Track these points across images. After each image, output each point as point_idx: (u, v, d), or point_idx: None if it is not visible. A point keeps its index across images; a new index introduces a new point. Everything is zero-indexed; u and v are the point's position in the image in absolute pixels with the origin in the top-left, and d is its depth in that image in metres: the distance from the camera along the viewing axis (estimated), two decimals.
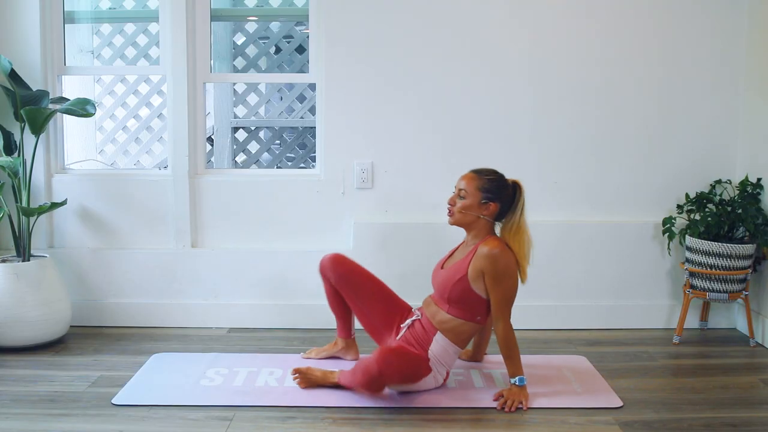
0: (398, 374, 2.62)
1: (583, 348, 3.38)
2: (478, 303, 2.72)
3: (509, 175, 3.66)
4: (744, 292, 3.40)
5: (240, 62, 5.95)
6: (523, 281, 2.77)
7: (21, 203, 3.34)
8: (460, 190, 2.78)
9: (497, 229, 2.81)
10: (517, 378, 2.70)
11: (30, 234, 3.36)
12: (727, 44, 3.63)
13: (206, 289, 3.66)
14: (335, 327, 3.12)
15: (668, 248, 3.63)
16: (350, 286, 2.93)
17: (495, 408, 2.66)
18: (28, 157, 3.40)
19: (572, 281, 3.67)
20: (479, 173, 2.78)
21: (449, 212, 2.80)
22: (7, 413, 2.59)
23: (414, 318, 2.84)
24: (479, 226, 2.77)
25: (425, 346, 2.74)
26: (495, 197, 2.74)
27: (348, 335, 3.11)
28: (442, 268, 2.86)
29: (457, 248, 2.90)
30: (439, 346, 2.74)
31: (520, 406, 2.65)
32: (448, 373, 2.83)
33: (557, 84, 3.63)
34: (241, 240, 3.70)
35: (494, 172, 2.79)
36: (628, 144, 3.67)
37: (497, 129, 3.64)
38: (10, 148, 3.43)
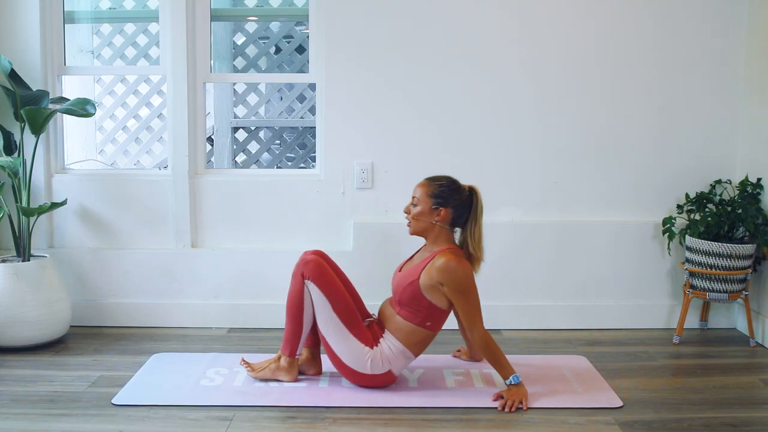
0: (322, 279, 2.70)
1: (583, 348, 3.38)
2: (429, 309, 2.74)
3: (510, 175, 3.68)
4: (744, 292, 3.40)
5: (240, 62, 5.95)
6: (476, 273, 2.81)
7: (21, 203, 3.34)
8: (413, 198, 2.81)
9: (457, 236, 2.84)
10: (511, 377, 2.71)
11: (30, 234, 3.36)
12: (727, 44, 3.63)
13: (206, 289, 3.66)
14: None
15: (668, 248, 3.63)
16: (330, 278, 2.80)
17: (495, 408, 2.66)
18: (28, 157, 3.40)
19: (572, 281, 3.67)
20: (430, 180, 2.81)
21: (408, 223, 2.83)
22: (7, 413, 2.59)
23: (372, 318, 2.88)
24: (435, 233, 2.79)
25: (377, 341, 2.78)
26: (445, 203, 2.76)
27: (307, 345, 2.94)
28: (400, 271, 2.89)
29: (417, 252, 2.93)
30: (388, 344, 2.76)
31: (520, 406, 2.65)
32: (393, 376, 2.81)
33: (557, 84, 3.63)
34: (241, 240, 3.71)
35: (446, 178, 2.82)
36: (629, 144, 3.67)
37: (497, 129, 3.64)
38: (10, 148, 3.43)
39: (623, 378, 2.99)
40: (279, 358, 2.87)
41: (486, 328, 2.73)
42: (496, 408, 2.66)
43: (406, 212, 2.83)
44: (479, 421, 2.57)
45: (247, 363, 2.94)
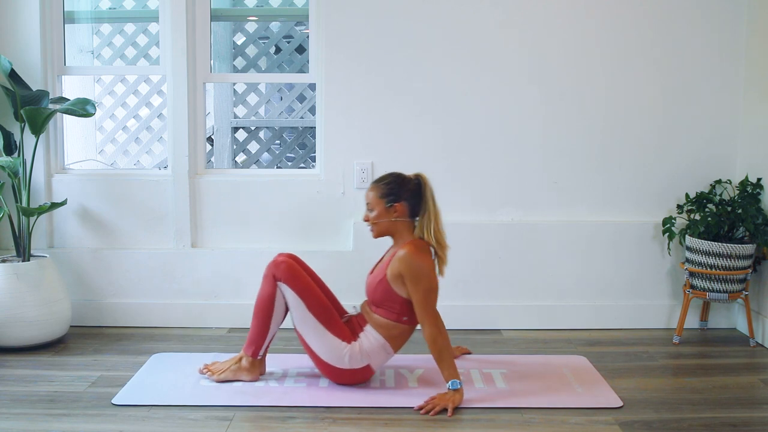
0: (294, 280, 2.72)
1: (583, 348, 3.38)
2: (401, 304, 2.76)
3: (510, 175, 3.68)
4: (744, 292, 3.40)
5: (240, 62, 5.95)
6: (441, 274, 2.80)
7: (21, 203, 3.34)
8: (367, 204, 2.84)
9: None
10: (450, 382, 2.68)
11: (30, 234, 3.36)
12: (727, 45, 3.63)
13: (206, 289, 3.66)
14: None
15: (668, 248, 3.63)
16: (302, 278, 2.79)
17: (495, 408, 2.66)
18: (28, 157, 3.40)
19: (572, 281, 3.67)
20: (376, 182, 2.84)
21: (370, 229, 2.85)
22: (7, 413, 2.59)
23: (350, 314, 2.89)
24: (399, 229, 2.81)
25: (356, 336, 2.79)
26: (397, 197, 2.78)
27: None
28: (371, 273, 2.90)
29: (386, 252, 2.93)
30: (369, 337, 2.77)
31: (446, 410, 2.61)
32: (371, 371, 2.82)
33: (557, 84, 3.63)
34: (241, 240, 3.71)
35: (390, 175, 2.85)
36: (629, 144, 3.67)
37: (497, 129, 3.64)
38: (10, 148, 3.43)
39: (623, 378, 2.99)
40: (240, 358, 2.89)
41: (438, 325, 2.70)
42: (496, 408, 2.66)
43: (365, 220, 2.85)
44: (479, 421, 2.57)
45: (207, 368, 2.93)
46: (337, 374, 2.80)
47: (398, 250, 2.75)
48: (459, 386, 2.68)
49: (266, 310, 2.80)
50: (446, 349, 2.70)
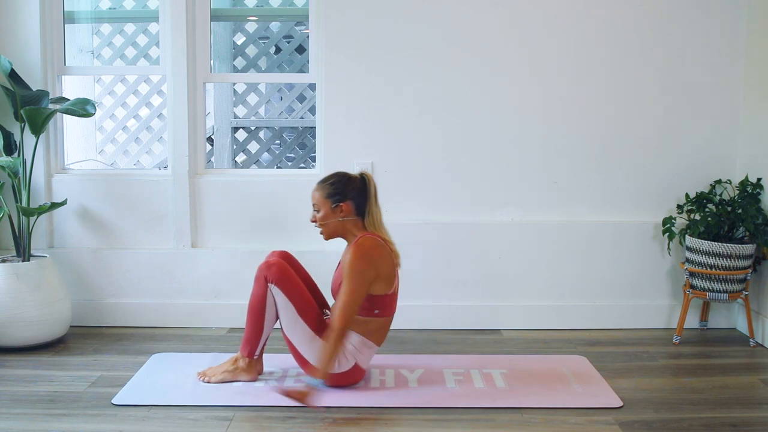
0: (286, 283, 2.73)
1: (583, 348, 3.38)
2: (368, 299, 2.74)
3: (511, 175, 3.68)
4: (744, 292, 3.40)
5: (240, 62, 5.95)
6: (398, 266, 2.82)
7: (21, 203, 3.34)
8: (313, 205, 2.83)
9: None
10: (315, 379, 2.58)
11: (30, 234, 3.36)
12: (727, 45, 3.63)
13: (206, 289, 3.66)
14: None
15: (668, 248, 3.63)
16: (293, 282, 2.80)
17: (495, 408, 2.66)
18: (28, 157, 3.40)
19: (572, 281, 3.67)
20: (321, 182, 2.84)
21: (320, 231, 2.83)
22: (7, 413, 2.59)
23: (328, 316, 2.90)
24: (347, 228, 2.81)
25: None
26: (343, 197, 2.78)
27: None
28: (334, 274, 2.91)
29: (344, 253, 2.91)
30: (348, 338, 2.75)
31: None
32: (361, 370, 2.82)
33: (557, 84, 3.63)
34: (241, 240, 3.70)
35: (335, 175, 2.84)
36: (629, 144, 3.67)
37: (497, 129, 3.64)
38: (10, 148, 3.43)
39: (623, 378, 2.99)
40: (236, 359, 2.88)
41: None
42: (496, 408, 2.66)
43: (312, 221, 2.84)
44: (479, 421, 2.57)
45: (202, 373, 2.91)
46: (329, 378, 2.77)
47: (352, 247, 2.74)
48: (317, 387, 2.57)
49: (259, 310, 2.81)
50: (335, 348, 2.62)
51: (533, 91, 3.63)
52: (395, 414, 2.62)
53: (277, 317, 2.82)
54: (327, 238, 2.85)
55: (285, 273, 2.77)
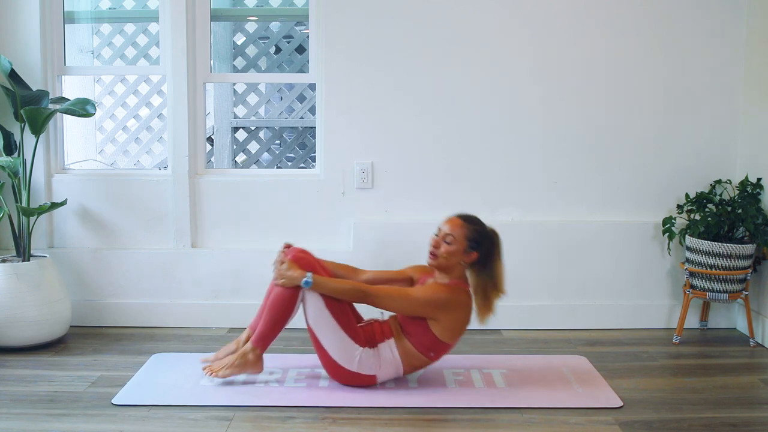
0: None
1: (583, 348, 3.38)
2: (432, 341, 2.76)
3: (511, 175, 3.68)
4: (744, 292, 3.40)
5: (240, 62, 5.95)
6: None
7: (21, 203, 3.34)
8: (446, 234, 2.79)
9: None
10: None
11: (30, 234, 3.36)
12: (727, 45, 3.63)
13: (206, 289, 3.66)
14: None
15: (668, 248, 3.63)
16: (321, 275, 2.82)
17: (495, 408, 2.66)
18: (28, 157, 3.40)
19: (572, 281, 3.67)
20: (467, 221, 2.81)
21: (432, 255, 2.80)
22: (7, 413, 2.59)
23: (375, 319, 2.89)
24: (456, 271, 2.82)
25: (373, 343, 2.79)
26: (478, 247, 2.78)
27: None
28: None
29: (427, 280, 2.91)
30: (389, 349, 2.78)
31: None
32: (374, 380, 2.82)
33: (558, 84, 3.63)
34: (241, 240, 3.71)
35: (479, 221, 2.84)
36: (629, 144, 3.67)
37: (497, 129, 3.64)
38: (10, 148, 3.43)
39: (623, 378, 2.99)
40: (246, 352, 2.83)
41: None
42: (496, 408, 2.66)
43: (435, 246, 2.80)
44: (479, 421, 2.57)
45: (209, 367, 2.88)
46: (341, 374, 2.79)
47: (443, 279, 2.80)
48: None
49: (286, 308, 2.77)
50: (341, 287, 2.74)
51: (533, 91, 3.63)
52: (395, 414, 2.62)
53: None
54: (436, 267, 2.82)
55: (314, 267, 2.79)
